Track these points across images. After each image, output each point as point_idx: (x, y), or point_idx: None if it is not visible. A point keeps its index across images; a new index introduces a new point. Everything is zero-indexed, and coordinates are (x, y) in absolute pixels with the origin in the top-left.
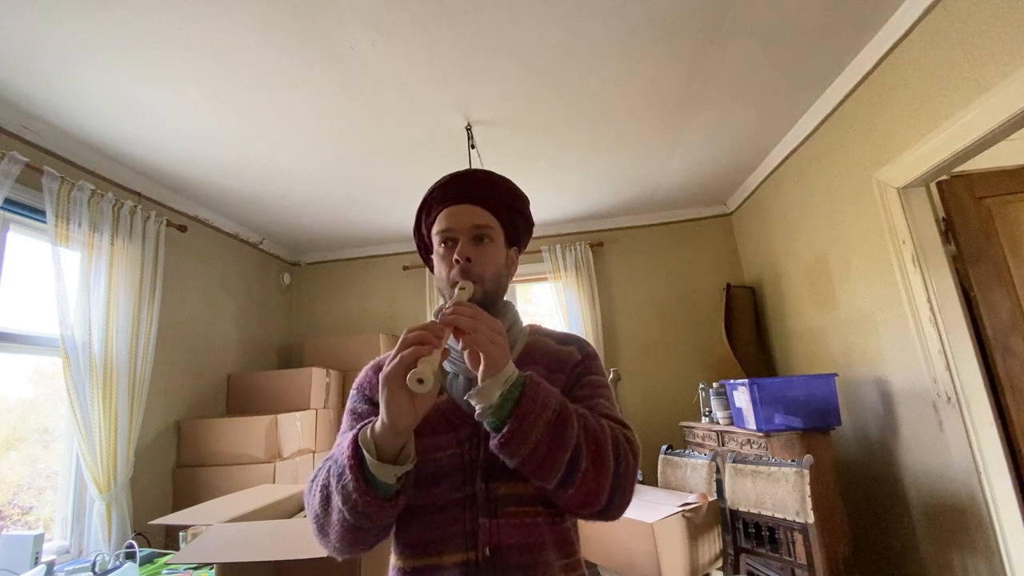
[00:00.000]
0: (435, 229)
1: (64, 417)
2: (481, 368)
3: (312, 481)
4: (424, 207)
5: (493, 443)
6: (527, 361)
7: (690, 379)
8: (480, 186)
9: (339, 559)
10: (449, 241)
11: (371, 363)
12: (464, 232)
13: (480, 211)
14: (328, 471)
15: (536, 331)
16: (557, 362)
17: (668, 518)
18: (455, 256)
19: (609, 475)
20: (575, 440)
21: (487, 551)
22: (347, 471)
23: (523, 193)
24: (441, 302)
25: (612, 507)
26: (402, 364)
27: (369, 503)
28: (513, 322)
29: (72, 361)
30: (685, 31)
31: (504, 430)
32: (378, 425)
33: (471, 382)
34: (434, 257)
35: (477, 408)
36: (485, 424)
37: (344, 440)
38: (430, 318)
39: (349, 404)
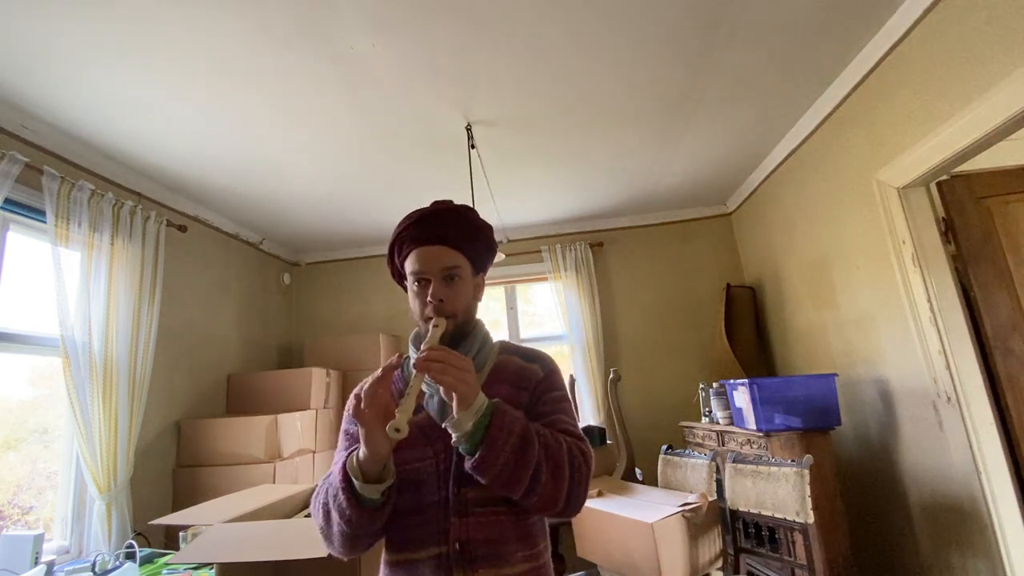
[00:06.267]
0: (408, 268)
1: (64, 417)
2: (454, 404)
3: (315, 497)
4: (396, 243)
5: (467, 465)
6: (496, 380)
7: (690, 379)
8: (447, 225)
9: (345, 559)
10: (422, 281)
11: (360, 387)
12: (436, 274)
13: (449, 252)
14: (327, 492)
15: (505, 349)
16: (522, 379)
17: (668, 518)
18: (428, 297)
19: (565, 485)
20: (536, 459)
21: (457, 545)
22: (340, 493)
23: (485, 223)
24: (415, 329)
25: (568, 509)
26: (374, 401)
27: (361, 515)
28: (483, 344)
29: (72, 361)
30: (686, 31)
31: (476, 456)
32: (361, 454)
33: (445, 402)
34: (408, 292)
35: (453, 436)
36: (460, 449)
37: (337, 466)
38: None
39: (343, 425)
